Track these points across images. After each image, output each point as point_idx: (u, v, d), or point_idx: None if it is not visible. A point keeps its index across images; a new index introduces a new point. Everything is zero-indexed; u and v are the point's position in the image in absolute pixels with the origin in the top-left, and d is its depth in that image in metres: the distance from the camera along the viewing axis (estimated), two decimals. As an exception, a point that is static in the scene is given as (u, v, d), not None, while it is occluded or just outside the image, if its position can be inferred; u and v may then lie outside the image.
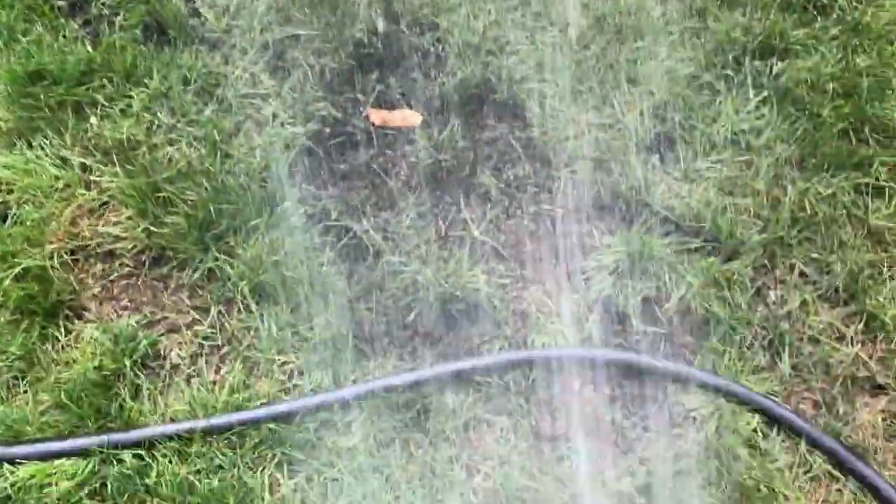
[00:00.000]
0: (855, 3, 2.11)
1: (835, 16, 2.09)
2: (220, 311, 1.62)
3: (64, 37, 1.95)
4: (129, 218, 1.69)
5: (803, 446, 1.53)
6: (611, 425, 1.56)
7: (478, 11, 2.04)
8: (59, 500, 1.36)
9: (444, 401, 1.52)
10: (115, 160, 1.74)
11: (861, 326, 1.67)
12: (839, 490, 1.50)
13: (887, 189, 1.83)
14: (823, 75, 1.98)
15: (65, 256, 1.67)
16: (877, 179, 1.83)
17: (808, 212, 1.78)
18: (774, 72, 1.99)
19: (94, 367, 1.49)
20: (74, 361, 1.52)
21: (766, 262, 1.74)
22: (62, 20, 2.00)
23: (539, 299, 1.68)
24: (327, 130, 1.87)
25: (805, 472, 1.51)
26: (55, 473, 1.39)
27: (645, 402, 1.59)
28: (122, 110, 1.83)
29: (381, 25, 2.01)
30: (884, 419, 1.58)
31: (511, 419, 1.53)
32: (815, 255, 1.74)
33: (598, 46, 2.00)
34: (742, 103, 1.93)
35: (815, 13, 2.09)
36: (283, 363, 1.55)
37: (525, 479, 1.47)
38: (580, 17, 2.05)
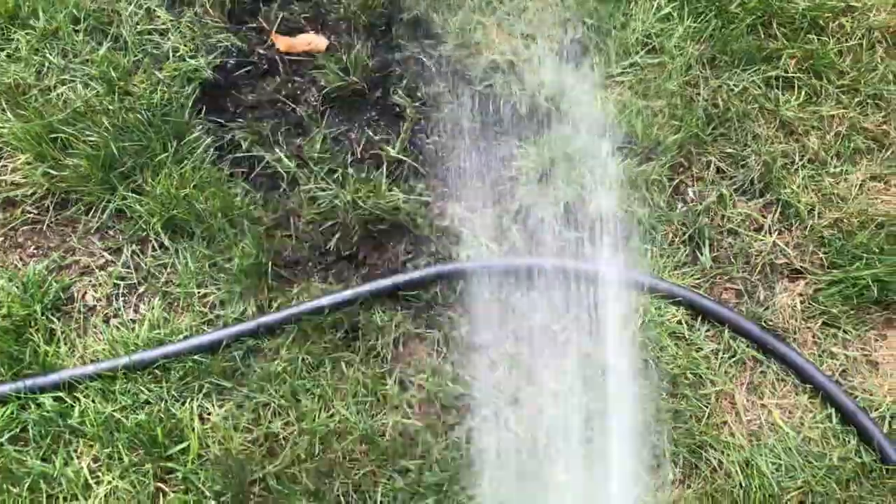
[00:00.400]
0: None
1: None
2: (133, 251, 1.57)
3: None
4: (27, 163, 1.61)
5: (727, 334, 1.57)
6: (541, 330, 1.58)
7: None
8: (-22, 448, 1.33)
9: (373, 319, 1.52)
10: (5, 105, 1.66)
11: (777, 216, 1.72)
12: (763, 372, 1.56)
13: (796, 80, 1.86)
14: (730, -28, 2.00)
15: (-39, 208, 1.60)
16: (785, 72, 1.87)
17: (721, 108, 1.81)
18: (683, -28, 2.00)
19: (3, 315, 1.44)
20: (-19, 312, 1.47)
21: (682, 160, 1.76)
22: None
23: (461, 214, 1.67)
24: (231, 61, 1.81)
25: (730, 358, 1.56)
26: (-29, 423, 1.35)
27: (572, 305, 1.61)
28: (8, 54, 1.74)
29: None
30: (802, 302, 1.63)
31: (441, 332, 1.54)
32: (729, 150, 1.78)
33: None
34: (652, 5, 1.94)
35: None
36: (204, 296, 1.52)
37: (459, 388, 1.48)
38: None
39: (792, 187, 1.73)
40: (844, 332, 1.60)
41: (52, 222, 1.61)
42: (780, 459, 1.46)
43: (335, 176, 1.67)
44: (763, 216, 1.72)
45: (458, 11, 1.88)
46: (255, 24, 1.87)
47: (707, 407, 1.50)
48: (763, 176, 1.74)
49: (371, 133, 1.74)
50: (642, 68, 1.85)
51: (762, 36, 1.91)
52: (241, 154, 1.69)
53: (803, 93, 1.84)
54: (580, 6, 1.91)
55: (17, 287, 1.49)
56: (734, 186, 1.74)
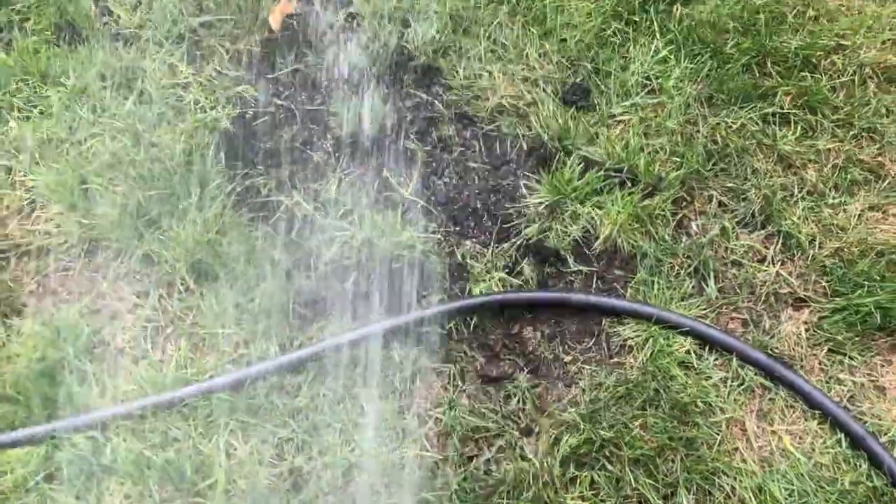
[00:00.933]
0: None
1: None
2: (160, 294, 1.64)
3: (-25, 46, 1.94)
4: (59, 213, 1.70)
5: (734, 362, 1.61)
6: (552, 362, 1.62)
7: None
8: (16, 487, 1.38)
9: (390, 355, 1.57)
10: (39, 159, 1.75)
11: (779, 246, 1.76)
12: (771, 399, 1.59)
13: (791, 116, 1.92)
14: (723, 15, 2.07)
15: (-3, 258, 1.68)
16: (781, 108, 1.92)
17: (721, 144, 1.87)
18: (678, 16, 2.07)
19: (38, 359, 1.50)
20: (17, 356, 1.53)
21: (684, 195, 1.82)
22: (-28, 30, 1.99)
23: (473, 250, 1.73)
24: (249, 112, 1.90)
25: (738, 385, 1.60)
26: (8, 463, 1.40)
27: (582, 336, 1.66)
28: (41, 111, 1.83)
29: (293, 5, 2.04)
30: (807, 329, 1.67)
31: (456, 366, 1.59)
32: (730, 185, 1.83)
33: (509, 5, 2.06)
34: (650, 49, 2.01)
35: (711, -41, 2.19)
36: (228, 336, 1.58)
37: (475, 420, 1.53)
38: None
39: (792, 219, 1.78)
40: (850, 358, 1.63)
41: (83, 269, 1.68)
42: (792, 485, 1.49)
43: (351, 217, 1.74)
44: (765, 247, 1.76)
45: (464, 57, 1.97)
46: (270, 75, 1.96)
47: (718, 434, 1.54)
48: (764, 208, 1.79)
49: (385, 177, 1.81)
50: (643, 108, 1.92)
51: (757, 75, 1.98)
52: (261, 199, 1.77)
53: (799, 128, 1.90)
54: (582, 48, 1.99)
55: (50, 331, 1.55)
56: (736, 219, 1.79)
